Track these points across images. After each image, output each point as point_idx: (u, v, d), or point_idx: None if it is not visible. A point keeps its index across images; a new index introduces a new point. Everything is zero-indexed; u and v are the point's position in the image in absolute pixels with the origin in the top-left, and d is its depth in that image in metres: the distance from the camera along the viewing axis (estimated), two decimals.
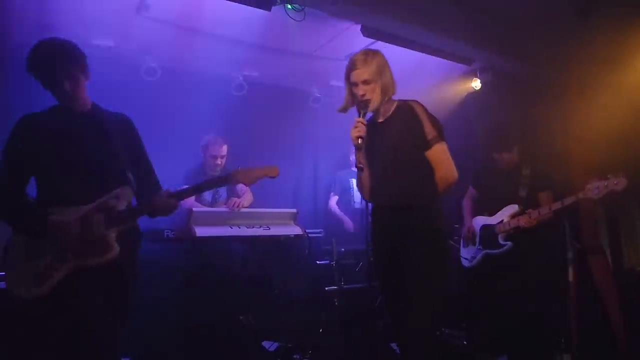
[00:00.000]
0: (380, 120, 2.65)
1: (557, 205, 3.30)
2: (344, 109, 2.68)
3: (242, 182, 2.49)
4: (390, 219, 2.52)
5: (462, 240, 4.00)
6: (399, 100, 2.64)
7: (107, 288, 2.20)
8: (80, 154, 2.25)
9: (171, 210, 2.36)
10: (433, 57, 4.56)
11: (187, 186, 2.54)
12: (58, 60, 2.20)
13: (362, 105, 2.53)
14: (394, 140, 2.52)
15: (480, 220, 3.80)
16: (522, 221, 3.45)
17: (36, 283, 2.11)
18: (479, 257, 3.74)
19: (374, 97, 2.52)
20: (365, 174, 2.62)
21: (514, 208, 3.58)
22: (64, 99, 2.27)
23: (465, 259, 3.88)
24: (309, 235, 3.98)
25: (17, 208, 2.23)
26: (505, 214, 3.61)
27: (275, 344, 3.66)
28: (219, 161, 4.30)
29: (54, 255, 2.15)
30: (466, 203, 4.06)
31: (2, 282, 2.78)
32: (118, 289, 2.26)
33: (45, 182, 2.26)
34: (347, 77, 2.57)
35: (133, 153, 2.46)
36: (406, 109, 2.56)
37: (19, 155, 2.22)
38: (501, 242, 3.58)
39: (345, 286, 4.06)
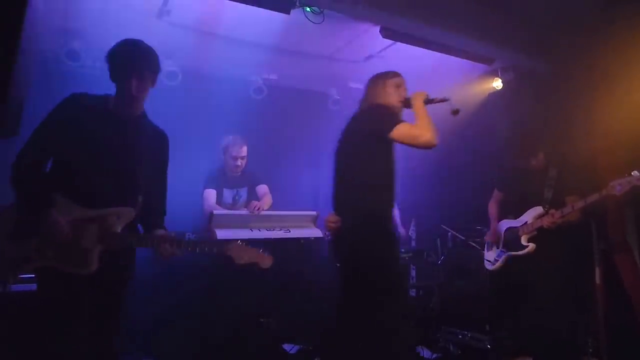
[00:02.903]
0: None
1: (580, 204, 3.24)
2: None
3: (232, 256, 2.30)
4: None
5: (486, 243, 3.96)
6: None
7: (86, 298, 2.15)
8: (107, 158, 2.23)
9: (170, 256, 2.25)
10: (453, 57, 4.51)
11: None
12: (146, 63, 2.26)
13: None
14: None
15: (505, 223, 3.76)
16: (545, 222, 3.40)
17: (9, 266, 2.09)
18: (501, 259, 3.69)
19: None
20: None
21: (538, 210, 3.53)
22: (126, 98, 2.28)
23: (488, 261, 3.84)
24: (329, 237, 3.96)
25: (30, 183, 2.17)
26: (529, 216, 3.56)
27: (296, 347, 3.66)
28: (239, 162, 4.32)
29: (35, 246, 2.10)
30: (492, 206, 4.02)
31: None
32: (99, 303, 2.20)
33: (62, 169, 2.22)
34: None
35: (156, 173, 2.44)
36: None
37: (51, 133, 2.19)
38: (523, 243, 3.54)
39: None
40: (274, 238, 3.72)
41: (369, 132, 2.64)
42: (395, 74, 2.89)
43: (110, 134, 2.25)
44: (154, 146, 2.41)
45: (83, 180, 2.18)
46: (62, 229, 2.10)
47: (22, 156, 2.17)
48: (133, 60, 2.23)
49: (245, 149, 4.35)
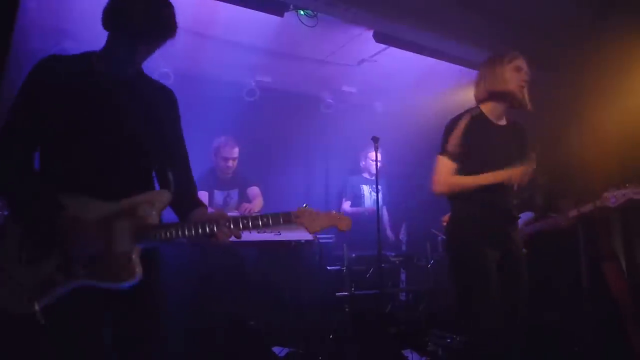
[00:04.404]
0: (501, 123, 2.66)
1: (573, 213, 3.26)
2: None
3: (305, 226, 1.88)
4: (506, 224, 2.58)
5: None
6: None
7: (120, 318, 1.71)
8: (115, 131, 1.71)
9: (228, 239, 1.79)
10: (445, 62, 4.55)
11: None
12: (158, 30, 1.73)
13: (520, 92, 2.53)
14: (512, 149, 2.57)
15: None
16: (538, 228, 3.43)
17: (29, 297, 1.54)
18: None
19: None
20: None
21: (528, 215, 3.55)
22: (124, 61, 1.77)
23: None
24: (320, 240, 3.97)
25: (25, 183, 1.63)
26: (520, 221, 3.58)
27: (286, 350, 3.65)
28: (230, 163, 4.31)
29: (58, 265, 1.59)
30: None
31: None
32: (133, 321, 1.74)
33: (59, 156, 1.67)
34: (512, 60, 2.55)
35: (174, 138, 1.94)
36: (518, 127, 2.73)
37: (33, 110, 1.64)
38: None
39: (356, 292, 4.05)
40: (265, 240, 3.72)
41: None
42: (514, 56, 2.58)
43: (112, 100, 1.73)
44: (164, 107, 1.91)
45: (91, 165, 1.68)
46: (87, 236, 1.60)
47: (2, 152, 1.63)
48: (143, 22, 1.66)
49: (236, 150, 4.35)
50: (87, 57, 1.77)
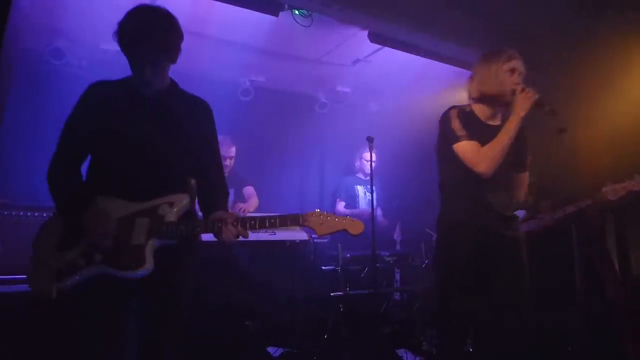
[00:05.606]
0: (492, 122, 2.55)
1: (571, 209, 3.27)
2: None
3: (313, 228, 1.97)
4: (497, 224, 2.46)
5: None
6: None
7: (143, 306, 1.97)
8: (141, 143, 1.94)
9: (235, 239, 1.92)
10: (440, 62, 4.56)
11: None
12: (157, 47, 1.92)
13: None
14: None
15: None
16: (533, 225, 3.43)
17: (52, 277, 1.82)
18: None
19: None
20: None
21: (520, 215, 3.57)
22: (142, 80, 1.97)
23: None
24: (315, 240, 3.97)
25: (68, 188, 1.96)
26: None
27: (280, 350, 3.65)
28: (227, 162, 4.30)
29: (82, 252, 1.85)
30: None
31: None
32: (155, 309, 1.96)
33: (99, 164, 1.98)
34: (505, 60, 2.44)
35: (204, 146, 2.13)
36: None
37: (81, 128, 1.95)
38: None
39: (350, 292, 4.05)
40: (260, 240, 3.71)
41: (438, 137, 2.57)
42: (510, 56, 2.46)
43: (140, 115, 1.97)
44: (195, 117, 2.10)
45: (122, 171, 1.93)
46: (107, 228, 1.84)
47: (53, 164, 1.97)
48: (140, 45, 1.88)
49: (233, 149, 4.35)
50: (125, 80, 2.03)
